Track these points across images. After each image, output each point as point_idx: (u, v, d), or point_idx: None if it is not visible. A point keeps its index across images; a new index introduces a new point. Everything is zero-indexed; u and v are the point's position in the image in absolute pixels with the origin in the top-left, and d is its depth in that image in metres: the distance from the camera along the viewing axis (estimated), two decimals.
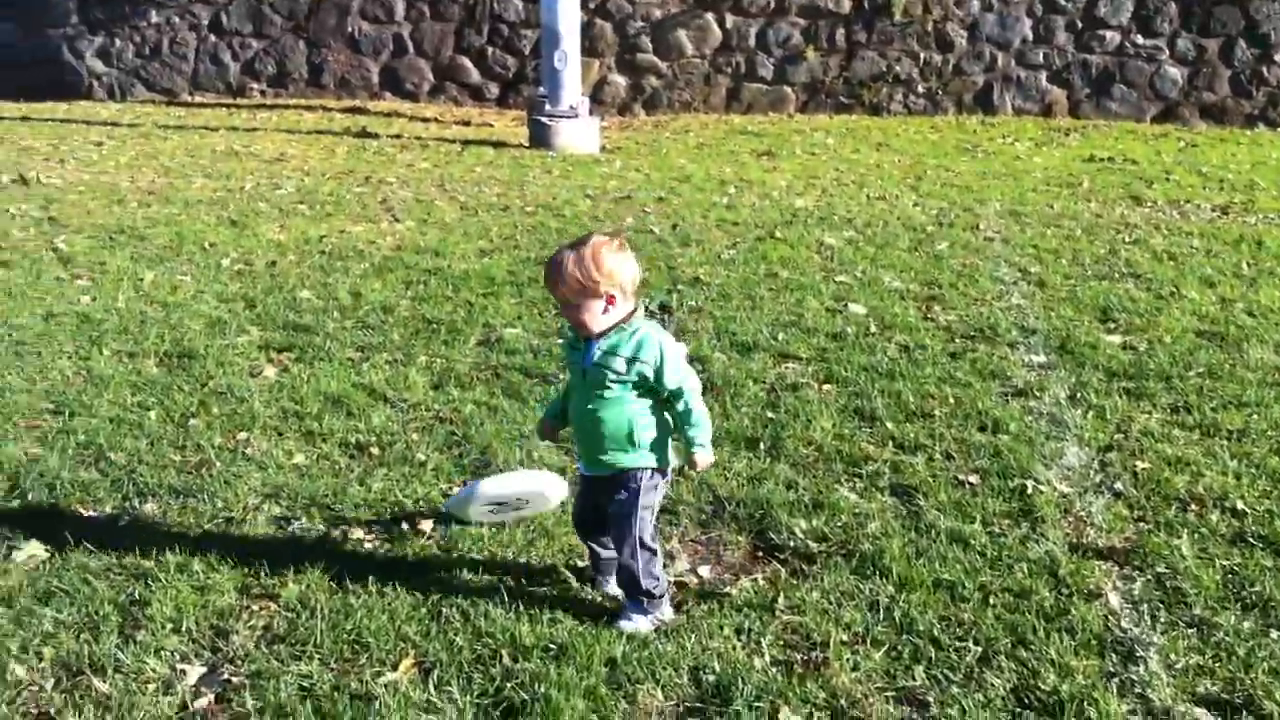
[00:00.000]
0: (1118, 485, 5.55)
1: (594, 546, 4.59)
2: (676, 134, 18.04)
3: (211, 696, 3.95)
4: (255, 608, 4.48)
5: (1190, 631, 4.31)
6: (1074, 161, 15.96)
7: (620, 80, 19.91)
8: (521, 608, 4.42)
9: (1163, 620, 4.39)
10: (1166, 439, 6.09)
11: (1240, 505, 5.32)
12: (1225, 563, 4.80)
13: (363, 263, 9.83)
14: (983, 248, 10.71)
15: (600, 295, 4.10)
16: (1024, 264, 10.02)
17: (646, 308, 8.55)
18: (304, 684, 3.99)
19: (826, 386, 6.89)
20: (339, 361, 7.31)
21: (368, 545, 4.99)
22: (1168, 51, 18.98)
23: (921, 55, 19.37)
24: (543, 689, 3.90)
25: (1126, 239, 11.14)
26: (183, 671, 4.08)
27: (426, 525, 5.09)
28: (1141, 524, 5.19)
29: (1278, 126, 18.65)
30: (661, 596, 4.37)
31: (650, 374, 4.14)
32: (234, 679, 4.04)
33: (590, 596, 4.58)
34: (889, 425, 6.26)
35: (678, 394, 4.21)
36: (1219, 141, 17.56)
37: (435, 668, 4.07)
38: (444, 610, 4.40)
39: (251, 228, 11.18)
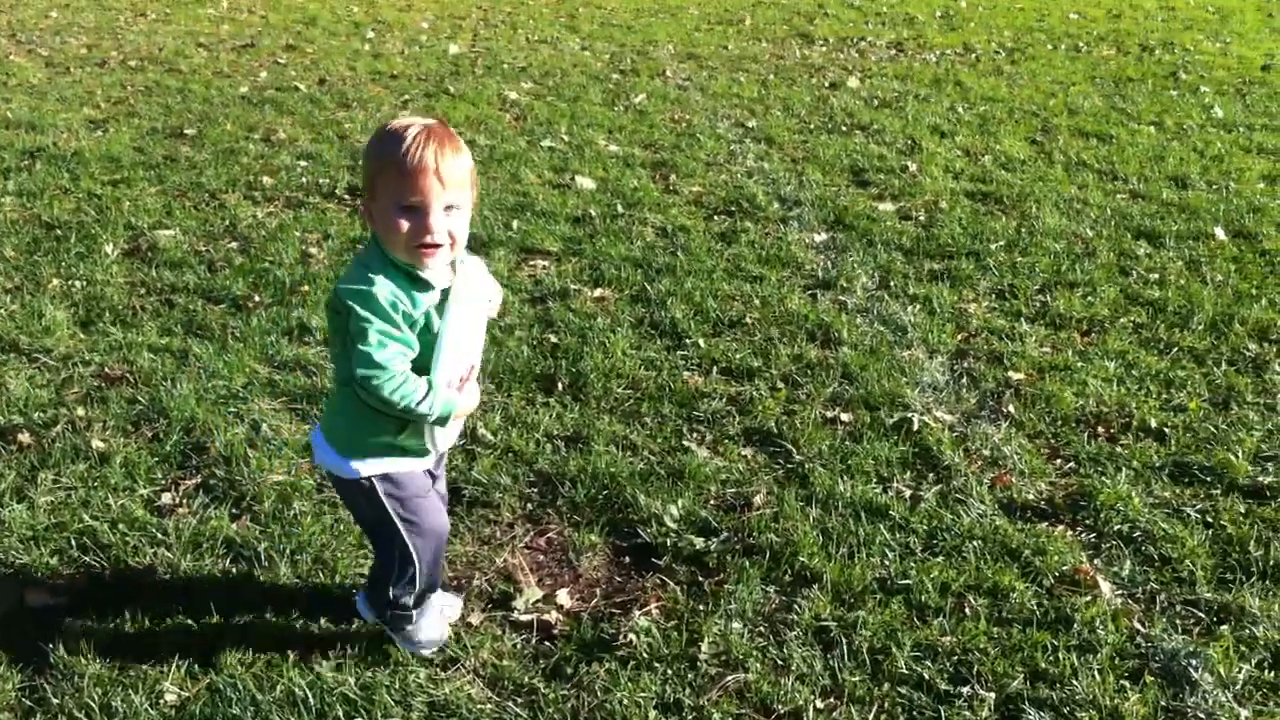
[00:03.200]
0: (1006, 408, 4.54)
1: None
2: None
3: None
4: None
5: (1222, 629, 3.33)
6: None
7: None
8: (333, 704, 2.90)
9: (1179, 611, 3.41)
10: (1016, 336, 5.15)
11: (1153, 423, 4.43)
12: (1191, 513, 3.87)
13: None
14: (683, 99, 9.52)
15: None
16: (738, 117, 8.90)
17: (335, 193, 6.91)
18: None
19: (600, 292, 5.53)
20: None
21: (57, 618, 3.28)
22: None
23: None
24: None
25: (825, 83, 10.23)
26: None
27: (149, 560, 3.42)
28: (1061, 461, 4.21)
29: None
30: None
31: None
32: None
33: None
34: (701, 343, 5.00)
35: None
36: None
37: None
38: None
39: None
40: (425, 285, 2.66)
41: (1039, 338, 5.16)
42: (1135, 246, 6.23)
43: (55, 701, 2.92)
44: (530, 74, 10.28)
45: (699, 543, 3.66)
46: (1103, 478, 4.06)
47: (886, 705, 3.01)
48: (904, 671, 3.12)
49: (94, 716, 2.86)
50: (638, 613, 3.35)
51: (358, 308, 2.55)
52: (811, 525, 3.74)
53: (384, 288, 2.58)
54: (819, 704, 3.01)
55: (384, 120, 2.53)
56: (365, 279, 2.58)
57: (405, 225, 2.56)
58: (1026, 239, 6.31)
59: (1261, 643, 3.27)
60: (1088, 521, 3.84)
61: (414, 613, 3.08)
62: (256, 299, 5.32)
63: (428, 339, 2.67)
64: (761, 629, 3.29)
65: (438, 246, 2.60)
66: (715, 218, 6.64)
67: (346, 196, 6.81)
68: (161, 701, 2.94)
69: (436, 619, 3.17)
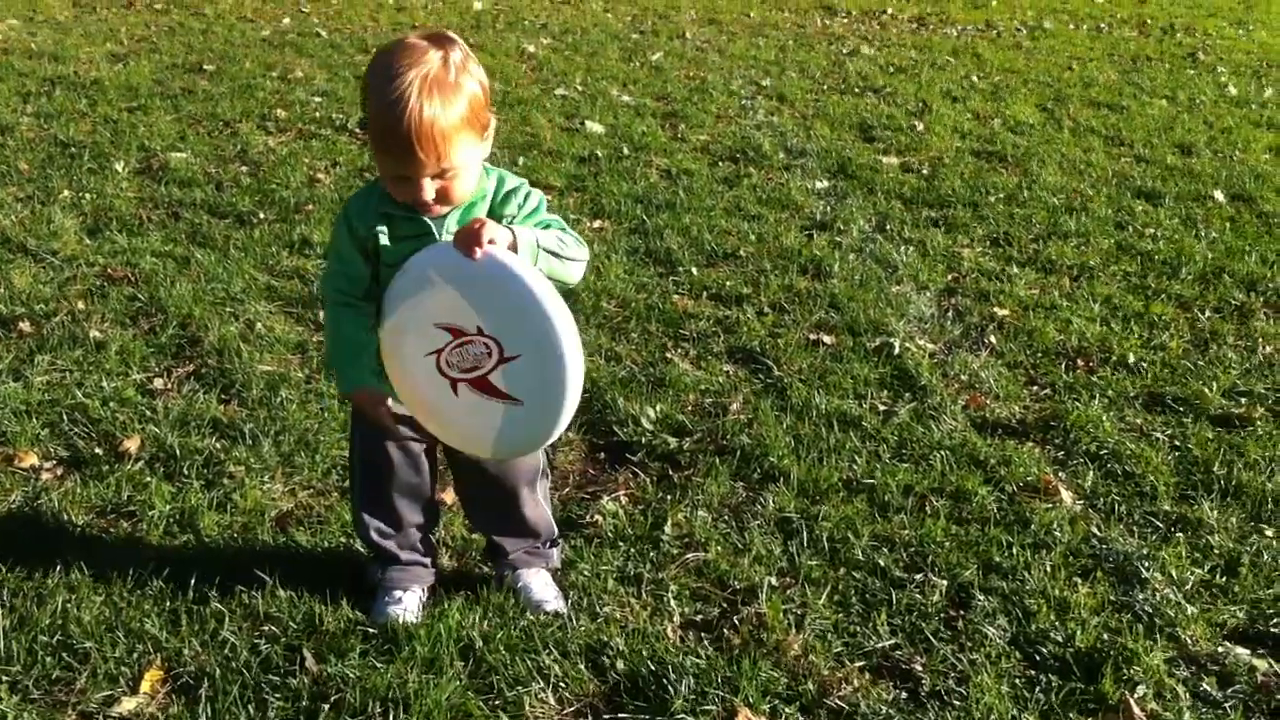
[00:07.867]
0: (988, 339, 4.61)
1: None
2: None
3: None
4: None
5: (1178, 535, 3.39)
6: None
7: None
8: (307, 571, 3.01)
9: (1137, 520, 3.47)
10: (1006, 277, 5.22)
11: (1131, 359, 4.49)
12: (1160, 436, 3.94)
13: None
14: (699, 59, 9.60)
15: (486, 125, 2.55)
16: (753, 76, 8.97)
17: (347, 127, 7.01)
18: None
19: (600, 223, 5.63)
20: None
21: (47, 477, 3.40)
22: None
23: None
24: (378, 709, 2.54)
25: (842, 50, 10.28)
26: None
27: (131, 444, 3.54)
28: (1037, 388, 4.28)
29: None
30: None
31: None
32: None
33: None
34: (694, 271, 5.09)
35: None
36: None
37: (200, 682, 2.63)
38: (190, 583, 2.92)
39: None
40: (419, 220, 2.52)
41: (1028, 280, 5.23)
42: (1134, 204, 6.29)
43: (44, 546, 3.03)
44: (550, 30, 10.38)
45: (673, 442, 3.75)
46: (1076, 403, 4.12)
47: (840, 587, 3.09)
48: (860, 559, 3.20)
49: (81, 557, 2.96)
50: (606, 499, 3.44)
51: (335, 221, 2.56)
52: (784, 431, 3.82)
53: (355, 204, 2.55)
54: (774, 581, 3.09)
55: (388, 43, 2.23)
56: (358, 193, 2.61)
57: (396, 188, 2.46)
58: (1026, 193, 6.38)
59: (1216, 551, 3.33)
60: (1057, 440, 3.92)
61: (374, 564, 2.96)
62: (261, 216, 5.44)
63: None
64: (725, 517, 3.38)
65: (433, 205, 2.47)
66: (720, 163, 6.72)
67: (358, 131, 6.91)
68: (141, 551, 3.04)
69: (385, 603, 2.90)
